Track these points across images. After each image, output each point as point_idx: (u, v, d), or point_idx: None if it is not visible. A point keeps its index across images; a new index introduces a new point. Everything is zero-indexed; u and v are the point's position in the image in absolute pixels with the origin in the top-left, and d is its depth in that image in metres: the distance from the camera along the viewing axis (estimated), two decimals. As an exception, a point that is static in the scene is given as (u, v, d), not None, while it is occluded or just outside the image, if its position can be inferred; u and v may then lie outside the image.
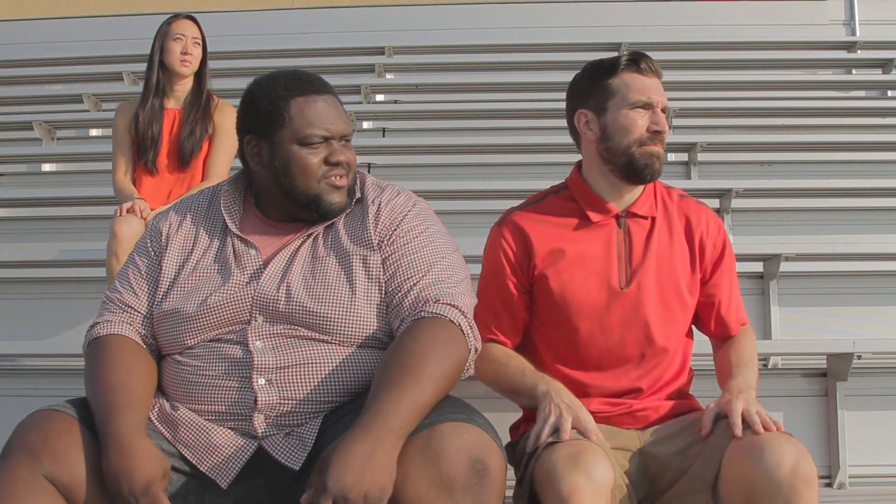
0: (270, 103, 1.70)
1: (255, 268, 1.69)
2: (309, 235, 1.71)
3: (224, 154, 3.21)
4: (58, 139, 5.30)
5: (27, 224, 4.13)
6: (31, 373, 3.06)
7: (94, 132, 5.47)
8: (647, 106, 1.86)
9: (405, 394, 1.44)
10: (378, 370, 1.53)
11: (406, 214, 1.72)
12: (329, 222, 1.72)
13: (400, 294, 1.64)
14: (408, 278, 1.64)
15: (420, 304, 1.61)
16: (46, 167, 4.89)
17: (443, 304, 1.60)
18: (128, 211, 2.95)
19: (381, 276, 1.66)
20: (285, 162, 1.68)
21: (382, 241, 1.68)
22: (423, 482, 1.35)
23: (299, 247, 1.70)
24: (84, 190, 4.20)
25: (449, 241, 1.75)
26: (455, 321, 1.59)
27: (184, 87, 3.27)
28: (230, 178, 1.83)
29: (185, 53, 3.22)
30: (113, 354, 1.64)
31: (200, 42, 3.28)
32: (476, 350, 1.64)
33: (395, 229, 1.69)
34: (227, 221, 1.74)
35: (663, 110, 1.89)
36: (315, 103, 1.69)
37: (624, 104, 1.86)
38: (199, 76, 3.29)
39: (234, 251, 1.71)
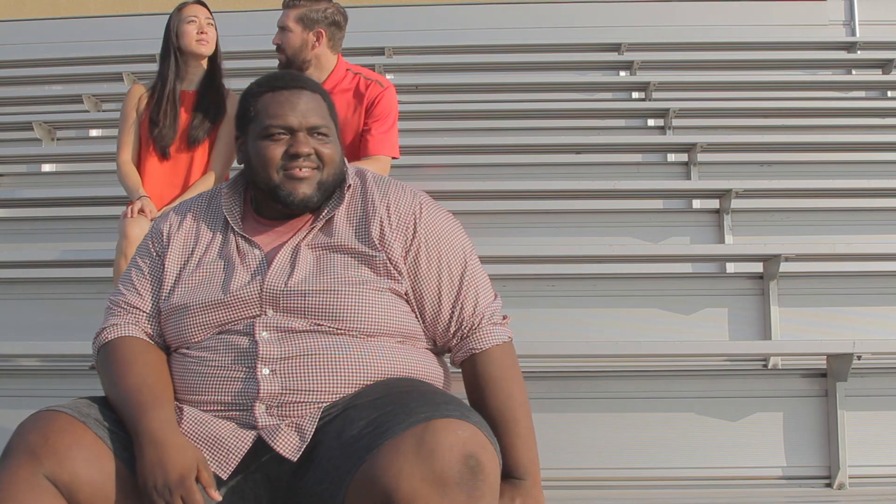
0: (246, 101, 1.78)
1: (260, 264, 1.70)
2: (309, 231, 1.73)
3: (230, 143, 3.20)
4: (58, 139, 5.29)
5: (27, 224, 4.12)
6: (30, 373, 3.06)
7: (94, 132, 5.45)
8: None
9: (528, 438, 1.68)
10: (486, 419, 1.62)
11: (417, 217, 1.75)
12: (324, 217, 1.74)
13: (444, 317, 1.73)
14: (446, 297, 1.73)
15: (475, 333, 1.73)
16: (46, 167, 4.88)
17: (492, 324, 1.74)
18: (139, 212, 2.96)
19: (390, 275, 1.69)
20: (253, 156, 1.75)
21: (406, 248, 1.72)
22: (416, 478, 1.35)
23: (299, 242, 1.72)
24: (84, 190, 4.19)
25: (463, 235, 1.80)
26: (508, 337, 1.75)
27: (198, 71, 3.26)
28: (230, 180, 1.86)
29: (201, 33, 3.22)
30: (126, 356, 1.67)
31: (213, 23, 3.28)
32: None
33: (412, 236, 1.73)
34: (230, 220, 1.77)
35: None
36: (280, 97, 1.74)
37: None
38: (213, 61, 3.28)
39: (237, 248, 1.74)
